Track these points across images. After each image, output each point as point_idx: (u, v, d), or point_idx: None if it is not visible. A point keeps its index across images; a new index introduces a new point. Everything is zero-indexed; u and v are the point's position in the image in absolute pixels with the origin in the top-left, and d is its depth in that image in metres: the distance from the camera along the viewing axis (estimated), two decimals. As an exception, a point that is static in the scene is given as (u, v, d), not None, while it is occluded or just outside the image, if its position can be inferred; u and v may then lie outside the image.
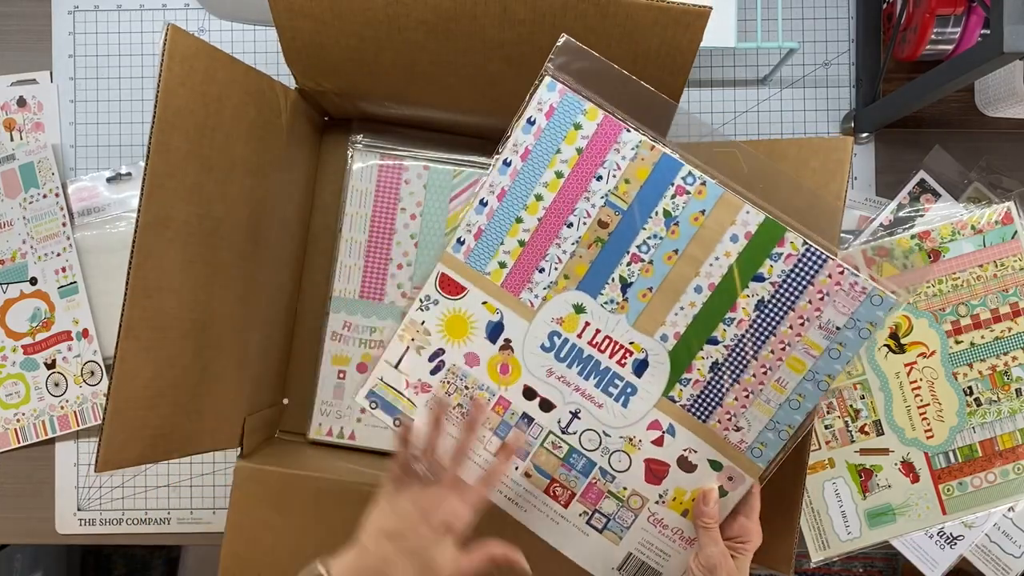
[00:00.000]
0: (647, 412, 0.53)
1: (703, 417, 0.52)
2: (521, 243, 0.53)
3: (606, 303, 0.53)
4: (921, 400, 0.74)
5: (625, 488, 0.54)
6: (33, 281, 0.78)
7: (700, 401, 0.52)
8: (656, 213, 0.51)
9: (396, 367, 0.55)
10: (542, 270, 0.53)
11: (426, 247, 0.74)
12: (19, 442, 0.78)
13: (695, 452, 0.53)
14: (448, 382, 0.55)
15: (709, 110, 0.79)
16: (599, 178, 0.52)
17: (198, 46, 0.53)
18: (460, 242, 0.54)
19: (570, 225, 0.53)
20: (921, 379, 0.74)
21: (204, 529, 0.78)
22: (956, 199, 0.75)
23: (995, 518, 0.75)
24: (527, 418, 0.55)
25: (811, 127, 0.79)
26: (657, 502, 0.54)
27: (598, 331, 0.53)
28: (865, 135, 0.77)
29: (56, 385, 0.78)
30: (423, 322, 0.55)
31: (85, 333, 0.77)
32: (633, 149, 0.50)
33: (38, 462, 0.79)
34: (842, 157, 0.56)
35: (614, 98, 0.52)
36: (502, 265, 0.54)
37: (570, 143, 0.51)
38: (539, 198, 0.53)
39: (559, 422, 0.55)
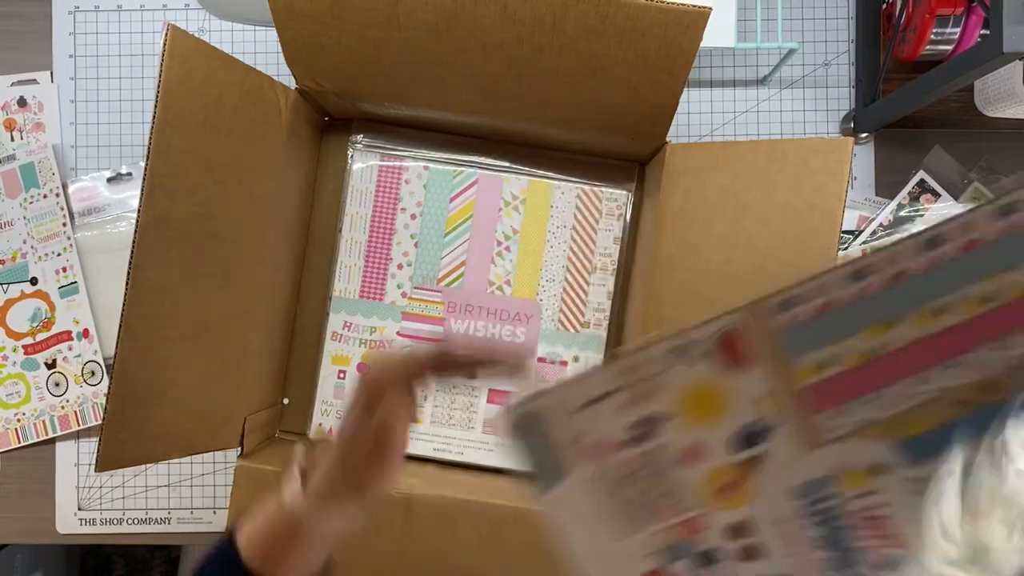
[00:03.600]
0: None
1: None
2: (872, 354, 0.34)
3: (909, 479, 0.35)
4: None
5: None
6: (34, 281, 0.78)
7: None
8: None
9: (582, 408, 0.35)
10: (873, 400, 0.34)
11: (426, 247, 0.74)
12: (19, 442, 0.78)
13: None
14: (640, 463, 0.37)
15: (709, 110, 0.79)
16: None
17: (198, 46, 0.53)
18: (787, 306, 0.34)
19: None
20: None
21: (204, 529, 0.78)
22: (956, 199, 0.75)
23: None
24: (707, 557, 0.37)
25: (811, 127, 0.79)
26: None
27: (875, 508, 0.36)
28: (865, 135, 0.77)
29: (57, 385, 0.78)
30: (658, 374, 0.35)
31: (86, 333, 0.77)
32: None
33: (38, 462, 0.79)
34: (843, 158, 0.56)
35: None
36: (826, 367, 0.34)
37: None
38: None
39: None
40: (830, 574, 0.36)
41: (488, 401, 0.74)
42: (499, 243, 0.74)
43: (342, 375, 0.74)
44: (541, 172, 0.74)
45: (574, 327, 0.74)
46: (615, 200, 0.74)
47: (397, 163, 0.74)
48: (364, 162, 0.74)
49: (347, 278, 0.74)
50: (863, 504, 0.36)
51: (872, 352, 0.34)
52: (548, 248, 0.74)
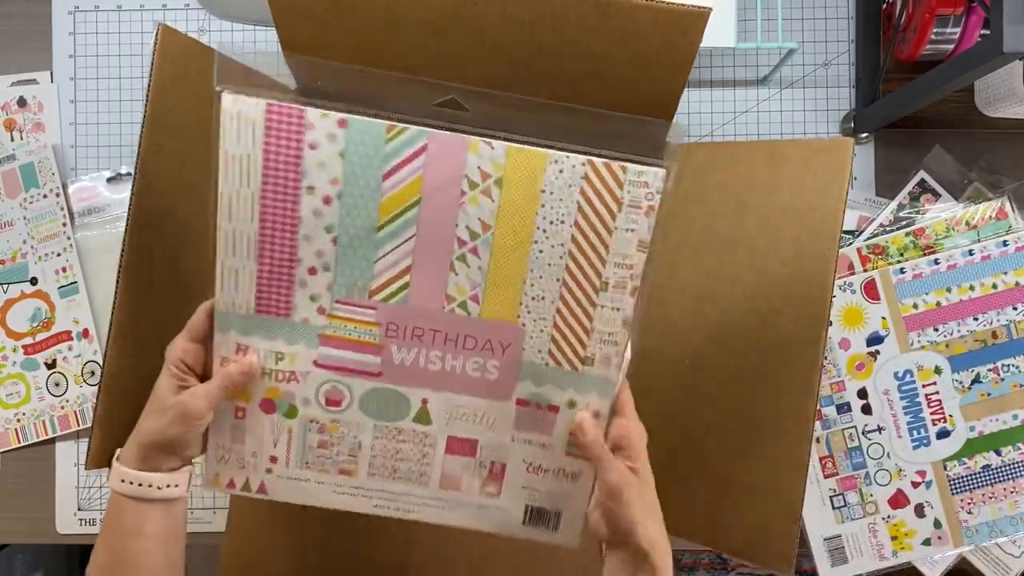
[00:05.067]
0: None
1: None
2: (937, 305, 0.72)
3: (958, 385, 0.72)
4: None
5: None
6: (33, 281, 0.78)
7: None
8: None
9: None
10: (935, 329, 0.72)
11: (350, 245, 0.49)
12: (19, 442, 0.78)
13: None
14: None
15: (709, 110, 0.79)
16: None
17: (191, 45, 0.53)
18: (899, 272, 0.72)
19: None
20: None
21: (204, 529, 0.78)
22: (956, 199, 0.75)
23: (995, 518, 0.75)
24: (844, 408, 0.73)
25: (811, 127, 0.79)
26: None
27: (934, 394, 0.72)
28: (865, 135, 0.77)
29: (56, 385, 0.78)
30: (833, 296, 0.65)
31: (85, 333, 0.77)
32: None
33: (38, 462, 0.79)
34: (843, 158, 0.56)
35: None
36: (916, 307, 0.72)
37: None
38: None
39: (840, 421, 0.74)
40: (906, 427, 0.72)
41: (447, 452, 0.53)
42: (462, 242, 0.49)
43: (240, 413, 0.52)
44: (528, 137, 0.48)
45: (571, 363, 0.51)
46: (643, 181, 0.47)
47: (295, 116, 0.46)
48: (240, 111, 0.46)
49: (234, 286, 0.50)
50: (928, 391, 0.72)
51: (937, 305, 0.71)
52: (536, 252, 0.49)
